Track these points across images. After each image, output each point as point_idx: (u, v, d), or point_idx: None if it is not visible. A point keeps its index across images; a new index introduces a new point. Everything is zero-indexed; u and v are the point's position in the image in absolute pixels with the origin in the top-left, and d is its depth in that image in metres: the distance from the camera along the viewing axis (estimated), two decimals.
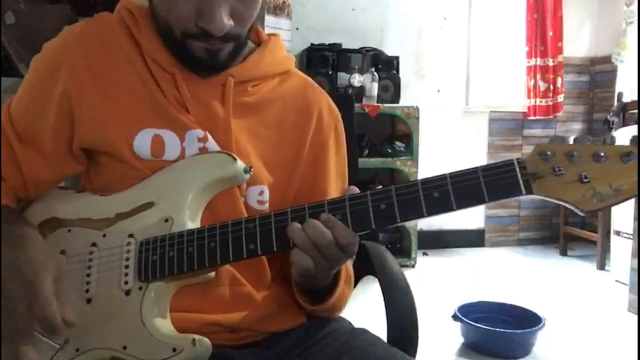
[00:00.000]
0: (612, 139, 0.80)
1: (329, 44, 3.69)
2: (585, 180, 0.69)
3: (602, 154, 0.69)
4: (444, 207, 0.72)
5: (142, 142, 0.84)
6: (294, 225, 0.75)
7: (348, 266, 0.90)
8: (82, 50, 0.86)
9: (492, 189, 0.71)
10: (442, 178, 0.72)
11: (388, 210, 0.73)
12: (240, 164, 0.82)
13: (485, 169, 0.72)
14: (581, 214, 0.71)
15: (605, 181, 0.69)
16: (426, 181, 0.73)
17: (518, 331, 2.34)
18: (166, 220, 0.81)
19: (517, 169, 0.71)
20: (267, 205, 0.88)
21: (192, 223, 0.81)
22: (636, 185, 0.68)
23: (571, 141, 0.73)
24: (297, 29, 3.73)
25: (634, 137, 0.69)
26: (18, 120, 0.88)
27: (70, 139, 0.87)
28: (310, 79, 1.00)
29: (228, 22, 0.80)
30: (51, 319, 0.71)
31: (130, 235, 0.81)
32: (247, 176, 0.83)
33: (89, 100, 0.85)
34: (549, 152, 0.71)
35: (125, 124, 0.84)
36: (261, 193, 0.88)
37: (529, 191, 0.70)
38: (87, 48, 0.86)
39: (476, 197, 0.71)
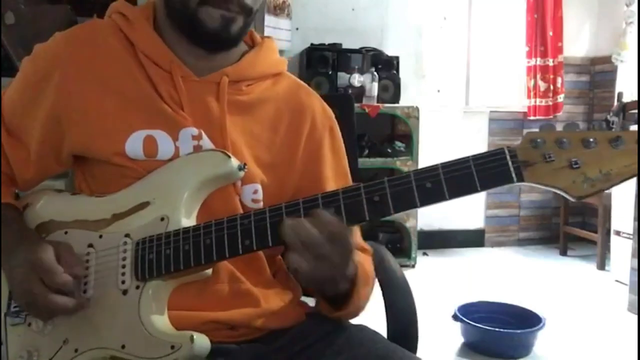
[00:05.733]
0: None
1: (329, 44, 3.69)
2: (575, 166, 0.69)
3: (592, 139, 0.69)
4: (437, 197, 0.72)
5: (134, 144, 0.84)
6: (284, 223, 0.74)
7: (364, 265, 0.88)
8: (72, 59, 0.86)
9: (483, 177, 0.71)
10: (434, 168, 0.73)
11: (382, 201, 0.74)
12: (234, 162, 0.82)
13: (476, 158, 0.72)
14: (572, 200, 0.71)
15: (595, 166, 0.69)
16: (419, 172, 0.74)
17: (518, 331, 2.34)
18: (162, 219, 0.81)
19: (508, 157, 0.71)
20: (261, 203, 0.89)
21: (188, 221, 0.81)
22: (625, 170, 0.68)
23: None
24: (297, 29, 3.73)
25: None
26: (8, 117, 0.90)
27: (57, 147, 0.88)
28: (302, 82, 1.01)
29: None
30: (61, 283, 0.76)
31: (127, 235, 0.82)
32: (242, 173, 0.83)
33: (79, 109, 0.85)
34: (539, 140, 0.71)
35: (116, 130, 0.84)
36: (255, 191, 0.89)
37: (520, 179, 0.71)
38: (77, 55, 0.87)
39: (468, 186, 0.71)
